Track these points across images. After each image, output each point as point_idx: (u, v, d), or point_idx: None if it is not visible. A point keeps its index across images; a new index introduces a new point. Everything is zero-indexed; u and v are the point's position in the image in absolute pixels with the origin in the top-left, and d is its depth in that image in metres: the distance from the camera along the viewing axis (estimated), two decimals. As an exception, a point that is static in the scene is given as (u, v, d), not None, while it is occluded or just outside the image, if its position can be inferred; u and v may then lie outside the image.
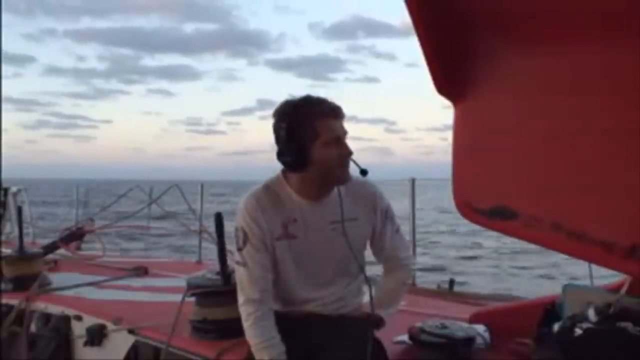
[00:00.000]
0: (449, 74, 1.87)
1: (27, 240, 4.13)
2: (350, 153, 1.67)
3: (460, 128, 1.93)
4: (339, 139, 1.66)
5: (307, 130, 1.62)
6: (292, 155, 1.63)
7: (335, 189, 1.71)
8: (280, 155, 1.66)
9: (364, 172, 1.70)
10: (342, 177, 1.69)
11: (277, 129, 1.66)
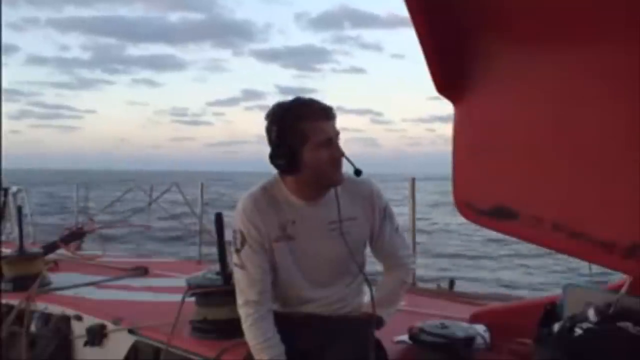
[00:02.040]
0: (449, 74, 1.87)
1: (27, 240, 4.13)
2: (341, 155, 1.66)
3: (460, 128, 1.93)
4: (330, 140, 1.64)
5: (297, 133, 1.61)
6: (283, 159, 1.63)
7: (332, 189, 1.71)
8: (272, 159, 1.65)
9: (357, 172, 1.69)
10: (335, 179, 1.68)
11: (268, 132, 1.65)
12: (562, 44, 1.68)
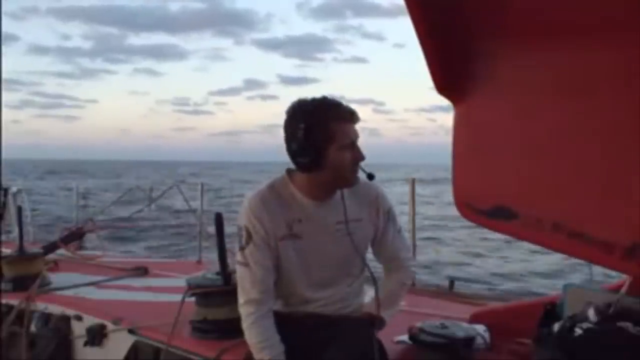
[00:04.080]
0: (449, 74, 1.87)
1: (27, 240, 4.13)
2: (363, 158, 1.69)
3: (460, 128, 1.93)
4: (354, 143, 1.67)
5: (324, 133, 1.62)
6: (307, 157, 1.63)
7: (339, 190, 1.72)
8: (294, 156, 1.66)
9: (370, 176, 1.73)
10: (352, 181, 1.71)
11: (292, 129, 1.64)
12: (562, 44, 1.68)
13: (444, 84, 1.89)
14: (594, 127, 1.66)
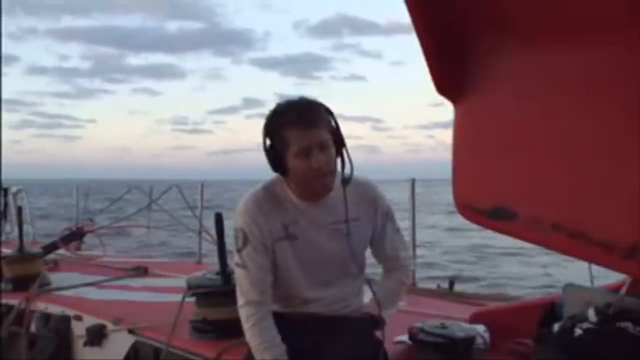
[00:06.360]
0: (449, 74, 1.87)
1: (27, 240, 4.13)
2: (316, 168, 1.58)
3: (461, 128, 1.93)
4: (308, 149, 1.57)
5: (280, 140, 1.61)
6: (272, 165, 1.64)
7: (342, 189, 1.71)
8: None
9: (345, 180, 1.67)
10: (320, 188, 1.66)
11: (262, 136, 1.66)
12: (564, 43, 1.68)
13: (444, 84, 1.89)
14: (594, 126, 1.65)
